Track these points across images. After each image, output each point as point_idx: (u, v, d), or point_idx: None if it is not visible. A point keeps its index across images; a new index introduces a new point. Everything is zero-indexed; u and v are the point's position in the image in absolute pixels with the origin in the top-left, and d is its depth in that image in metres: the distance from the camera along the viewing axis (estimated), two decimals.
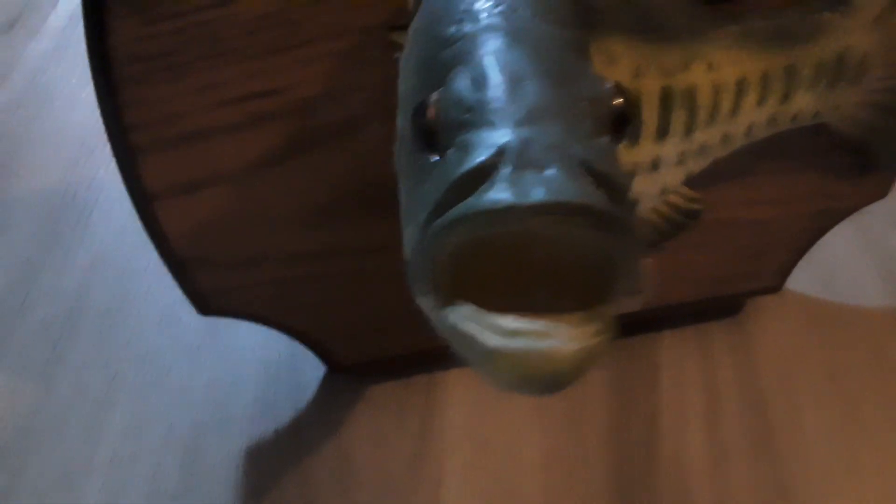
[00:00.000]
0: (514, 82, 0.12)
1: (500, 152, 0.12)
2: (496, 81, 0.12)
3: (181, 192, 0.21)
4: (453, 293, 0.12)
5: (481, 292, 0.12)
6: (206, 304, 0.24)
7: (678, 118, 0.20)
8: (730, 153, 0.22)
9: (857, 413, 0.26)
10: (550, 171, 0.11)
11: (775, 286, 0.27)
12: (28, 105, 0.40)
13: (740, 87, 0.20)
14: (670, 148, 0.20)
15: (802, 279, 0.29)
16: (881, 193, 0.26)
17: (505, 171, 0.11)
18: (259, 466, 0.26)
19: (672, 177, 0.21)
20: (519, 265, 0.12)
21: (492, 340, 0.12)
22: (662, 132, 0.20)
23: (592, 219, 0.11)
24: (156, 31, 0.19)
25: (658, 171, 0.21)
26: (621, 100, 0.13)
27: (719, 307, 0.28)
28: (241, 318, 0.25)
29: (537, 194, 0.11)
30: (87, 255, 0.33)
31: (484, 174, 0.11)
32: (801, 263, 0.28)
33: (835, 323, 0.28)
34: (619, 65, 0.19)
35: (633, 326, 0.28)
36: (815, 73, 0.21)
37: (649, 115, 0.19)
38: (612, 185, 0.12)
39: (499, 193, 0.11)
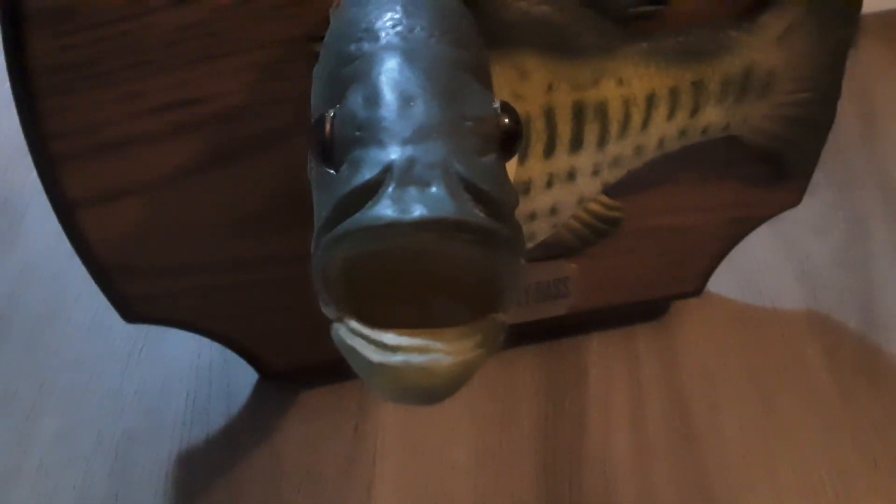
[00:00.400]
0: (403, 102, 0.13)
1: (386, 170, 0.12)
2: (387, 101, 0.13)
3: (103, 201, 0.21)
4: (349, 306, 0.13)
5: (377, 304, 0.13)
6: (130, 311, 0.24)
7: (591, 131, 0.20)
8: (646, 164, 0.23)
9: (773, 409, 0.27)
10: (432, 189, 0.12)
11: (697, 290, 0.29)
12: None
13: (650, 102, 0.21)
14: (585, 159, 0.21)
15: (724, 283, 0.30)
16: (795, 201, 0.27)
17: (389, 188, 0.12)
18: (190, 473, 0.26)
19: (588, 187, 0.22)
20: (411, 278, 0.12)
21: (373, 355, 0.12)
22: (576, 144, 0.20)
23: (470, 234, 0.12)
24: (74, 42, 0.19)
25: (574, 181, 0.21)
26: (507, 119, 0.13)
27: (645, 310, 0.29)
28: (166, 325, 0.25)
29: (417, 211, 0.11)
30: (18, 262, 0.32)
31: (370, 191, 0.12)
32: (723, 267, 0.30)
33: (754, 324, 0.30)
34: (532, 79, 0.19)
35: (562, 330, 0.29)
36: (723, 88, 0.22)
37: (563, 128, 0.20)
38: (492, 201, 0.12)
39: (382, 210, 0.12)
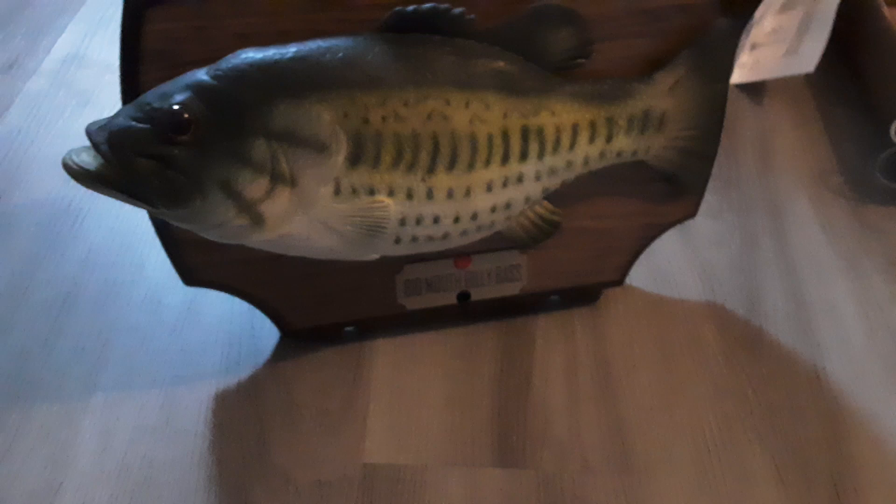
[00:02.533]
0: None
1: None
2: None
3: None
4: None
5: None
6: (190, 276, 0.32)
7: (533, 147, 0.29)
8: (577, 179, 0.31)
9: (674, 371, 0.35)
10: (102, 124, 0.26)
11: (618, 280, 0.37)
12: (27, 132, 0.47)
13: (574, 129, 0.30)
14: (529, 167, 0.30)
15: (643, 279, 0.39)
16: (691, 212, 0.36)
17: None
18: (225, 409, 0.33)
19: (533, 189, 0.30)
20: None
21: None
22: (523, 155, 0.29)
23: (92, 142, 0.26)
24: None
25: (523, 183, 0.30)
26: (175, 107, 0.25)
27: (581, 297, 0.38)
28: (215, 287, 0.33)
29: (93, 128, 0.26)
30: (81, 252, 0.40)
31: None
32: (644, 267, 0.38)
33: (664, 309, 0.38)
34: (493, 110, 0.28)
35: (515, 309, 0.37)
36: (628, 123, 0.31)
37: (514, 144, 0.29)
38: (112, 138, 0.25)
39: (89, 127, 0.26)
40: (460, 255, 0.34)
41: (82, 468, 0.31)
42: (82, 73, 0.51)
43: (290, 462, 0.31)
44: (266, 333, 0.36)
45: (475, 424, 0.33)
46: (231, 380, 0.34)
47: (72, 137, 0.47)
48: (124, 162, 0.25)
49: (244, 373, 0.35)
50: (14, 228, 0.41)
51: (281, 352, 0.36)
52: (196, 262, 0.32)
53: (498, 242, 0.33)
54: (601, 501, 0.30)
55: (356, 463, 0.31)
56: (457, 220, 0.29)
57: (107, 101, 0.49)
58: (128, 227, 0.41)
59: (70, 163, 0.25)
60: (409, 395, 0.34)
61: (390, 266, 0.34)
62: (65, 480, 0.31)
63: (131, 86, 0.28)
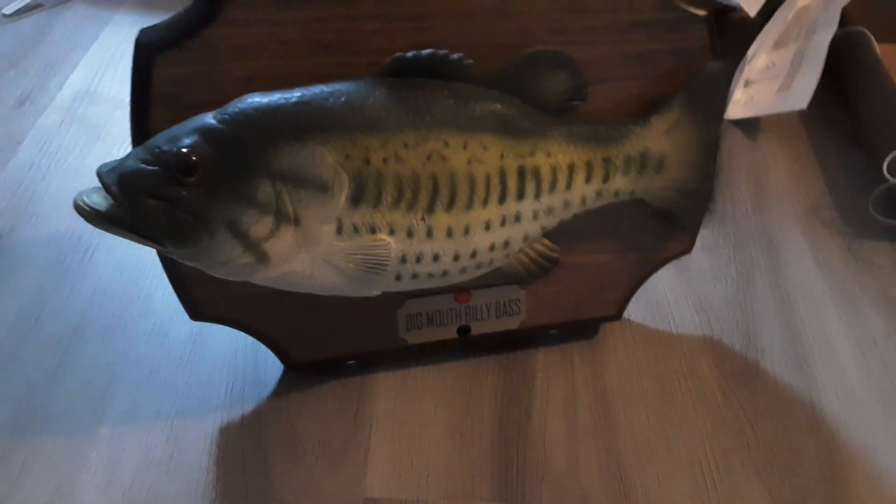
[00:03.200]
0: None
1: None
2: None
3: None
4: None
5: None
6: (197, 310, 0.33)
7: (530, 186, 0.30)
8: (575, 216, 0.32)
9: (672, 405, 0.36)
10: (113, 166, 0.27)
11: (615, 315, 0.38)
12: (39, 167, 0.48)
13: (570, 169, 0.31)
14: (527, 206, 0.30)
15: (641, 314, 0.40)
16: (687, 249, 0.37)
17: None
18: (229, 441, 0.34)
19: (531, 227, 0.31)
20: None
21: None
22: (520, 195, 0.30)
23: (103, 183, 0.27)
24: None
25: (520, 222, 0.31)
26: (183, 150, 0.26)
27: (580, 331, 0.38)
28: (220, 322, 0.34)
29: (104, 169, 0.27)
30: (90, 285, 0.41)
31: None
32: (640, 300, 0.39)
33: (662, 343, 0.39)
34: (490, 151, 0.29)
35: (515, 343, 0.38)
36: (626, 164, 0.32)
37: (511, 184, 0.30)
38: (123, 180, 0.26)
39: (101, 168, 0.27)
40: (460, 290, 0.35)
41: (88, 501, 0.31)
42: (93, 109, 0.53)
43: (294, 496, 0.32)
44: (270, 366, 0.37)
45: (475, 459, 0.34)
46: (235, 413, 0.35)
47: (83, 172, 0.49)
48: (134, 202, 0.26)
49: (248, 406, 0.35)
50: (24, 262, 0.42)
51: (284, 385, 0.36)
52: (202, 297, 0.32)
53: (498, 278, 0.33)
54: None
55: (358, 497, 0.32)
56: (456, 258, 0.30)
57: (117, 136, 0.50)
58: (135, 261, 0.42)
59: (82, 204, 0.26)
60: (410, 428, 0.35)
61: (392, 301, 0.34)
62: None
63: (141, 127, 0.29)
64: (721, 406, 0.36)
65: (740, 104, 0.52)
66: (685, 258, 0.37)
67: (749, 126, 0.52)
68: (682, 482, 0.33)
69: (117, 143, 0.50)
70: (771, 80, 0.51)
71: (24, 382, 0.36)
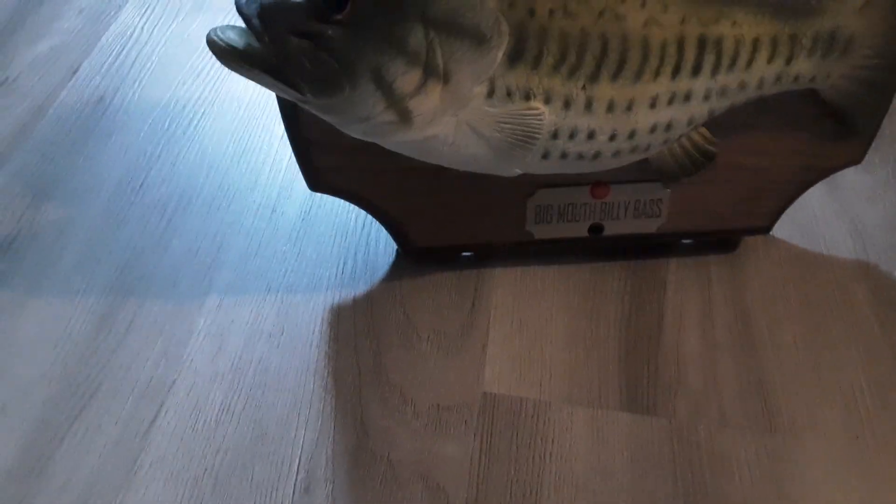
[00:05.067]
0: None
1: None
2: None
3: None
4: None
5: None
6: (318, 180, 0.30)
7: (708, 60, 0.26)
8: (740, 107, 0.28)
9: (823, 331, 0.32)
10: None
11: (766, 227, 0.34)
12: (141, 32, 0.46)
13: (755, 45, 0.27)
14: (700, 84, 0.27)
15: (787, 231, 0.36)
16: (858, 158, 0.32)
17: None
18: (340, 321, 0.32)
19: (698, 111, 0.27)
20: None
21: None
22: (696, 70, 0.26)
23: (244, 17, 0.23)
24: None
25: (689, 103, 0.27)
26: None
27: (719, 243, 0.35)
28: (340, 195, 0.31)
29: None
30: (195, 155, 0.39)
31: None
32: (787, 220, 0.35)
33: (811, 265, 0.35)
34: (670, 12, 0.25)
35: (646, 250, 0.34)
36: (812, 44, 0.28)
37: (688, 55, 0.26)
38: (266, 20, 0.23)
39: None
40: (598, 184, 0.31)
41: (196, 368, 0.30)
42: None
43: (408, 382, 0.30)
44: (381, 251, 0.34)
45: (601, 365, 0.31)
46: (346, 293, 0.33)
47: (186, 40, 0.46)
48: (275, 38, 0.23)
49: (360, 288, 0.33)
50: (127, 127, 0.40)
51: (396, 270, 0.34)
52: (325, 165, 0.30)
53: (640, 173, 0.30)
54: (741, 460, 0.28)
55: (476, 391, 0.30)
56: (612, 137, 0.26)
57: (220, 6, 0.48)
58: (241, 135, 0.39)
59: (216, 39, 0.23)
60: (530, 328, 0.32)
61: (523, 189, 0.31)
62: (178, 378, 0.30)
63: None
64: (878, 336, 0.32)
65: None
66: (837, 176, 0.33)
67: None
68: (832, 412, 0.29)
69: (221, 13, 0.47)
70: None
71: (130, 245, 0.35)
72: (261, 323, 0.32)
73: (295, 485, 0.27)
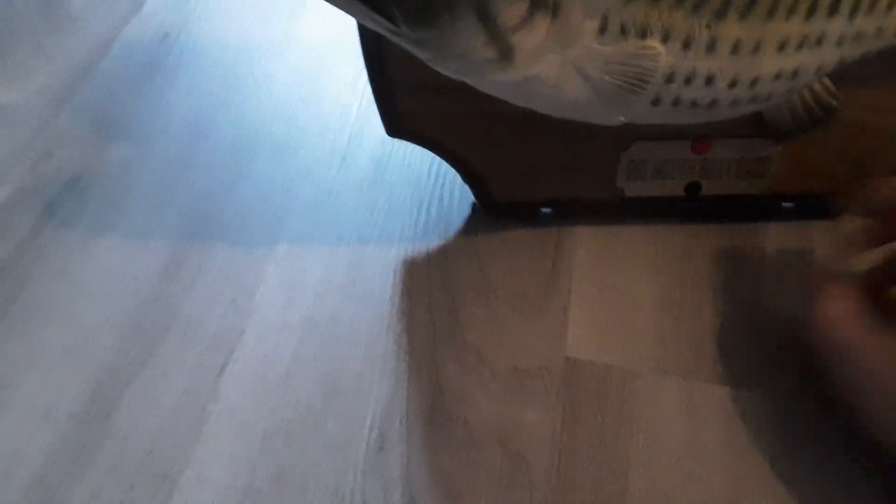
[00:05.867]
0: None
1: None
2: None
3: None
4: None
5: None
6: (398, 124, 0.28)
7: (846, 1, 0.23)
8: (876, 52, 0.25)
9: None
10: None
11: None
12: None
13: None
14: (835, 27, 0.24)
15: None
16: None
17: None
18: (412, 274, 0.30)
19: (829, 58, 0.24)
20: None
21: None
22: (833, 9, 0.23)
23: None
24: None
25: (820, 48, 0.24)
26: None
27: (824, 209, 0.32)
28: (420, 141, 0.29)
29: None
30: (263, 99, 0.37)
31: None
32: None
33: None
34: None
35: (744, 214, 0.32)
36: None
37: None
38: None
39: None
40: (700, 138, 0.29)
41: (265, 317, 0.29)
42: None
43: (485, 342, 0.28)
44: (455, 205, 0.33)
45: (694, 334, 0.29)
46: (420, 247, 0.31)
47: None
48: None
49: (433, 242, 0.31)
50: (193, 67, 0.39)
51: (472, 225, 0.32)
52: (407, 108, 0.28)
53: (747, 127, 0.27)
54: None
55: (558, 355, 0.28)
56: (733, 84, 0.24)
57: None
58: (311, 83, 0.37)
59: None
60: (615, 292, 0.30)
61: (618, 141, 0.29)
62: (247, 328, 0.29)
63: None
64: None
65: None
66: None
67: None
68: None
69: None
70: None
71: (198, 189, 0.33)
72: (332, 274, 0.30)
73: (368, 443, 0.26)
